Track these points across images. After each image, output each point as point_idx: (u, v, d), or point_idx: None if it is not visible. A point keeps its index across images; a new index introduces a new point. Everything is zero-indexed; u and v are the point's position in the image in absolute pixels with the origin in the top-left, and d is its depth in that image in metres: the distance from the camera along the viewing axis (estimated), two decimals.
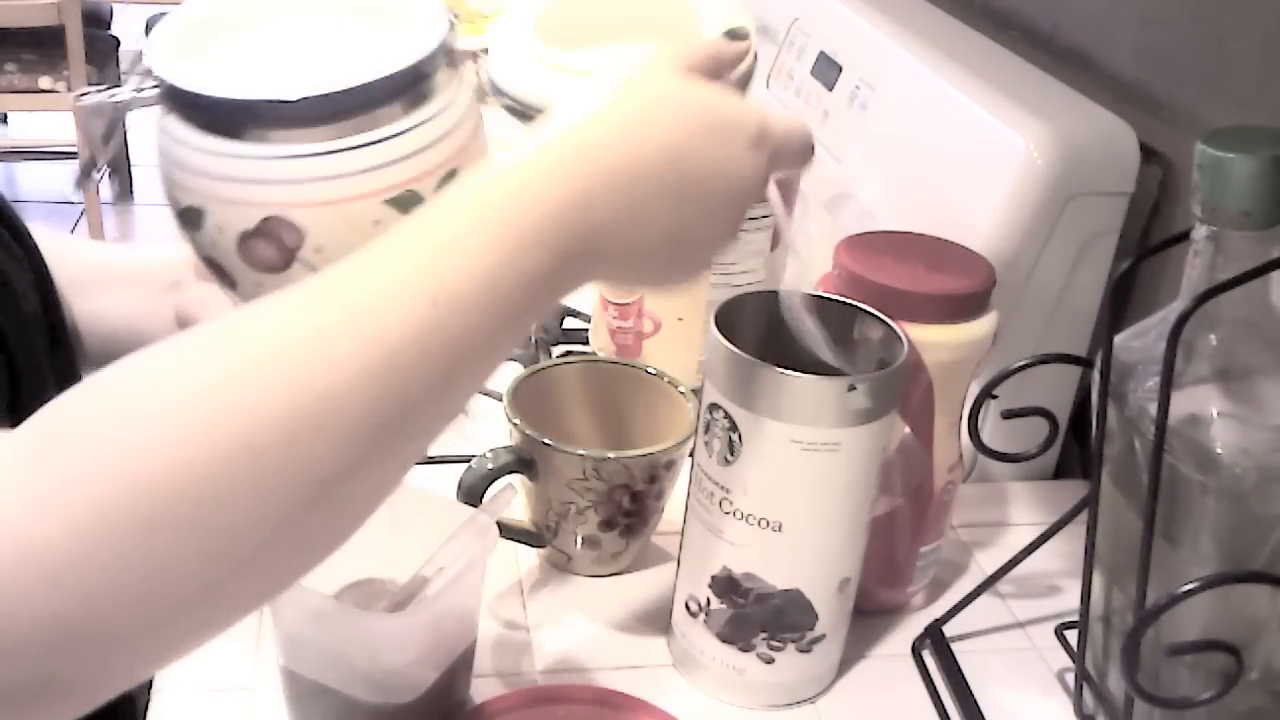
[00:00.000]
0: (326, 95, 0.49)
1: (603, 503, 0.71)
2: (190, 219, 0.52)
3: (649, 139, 0.48)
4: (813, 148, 0.55)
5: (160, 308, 0.68)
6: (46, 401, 0.55)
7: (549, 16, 0.60)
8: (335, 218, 0.51)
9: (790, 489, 0.61)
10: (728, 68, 0.54)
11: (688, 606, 0.67)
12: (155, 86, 0.51)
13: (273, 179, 0.49)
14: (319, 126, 0.49)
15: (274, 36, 0.55)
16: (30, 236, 0.64)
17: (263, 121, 0.49)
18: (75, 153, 3.06)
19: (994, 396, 0.65)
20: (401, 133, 0.51)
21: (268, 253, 0.51)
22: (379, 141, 0.50)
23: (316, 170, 0.49)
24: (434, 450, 0.93)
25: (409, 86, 0.51)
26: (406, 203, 0.51)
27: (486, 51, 0.57)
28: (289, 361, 0.40)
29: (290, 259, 0.51)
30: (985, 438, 0.66)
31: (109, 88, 0.51)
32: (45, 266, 0.64)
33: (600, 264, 0.48)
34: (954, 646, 0.71)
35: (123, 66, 3.49)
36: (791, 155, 0.54)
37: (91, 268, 0.71)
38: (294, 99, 0.48)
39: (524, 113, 0.57)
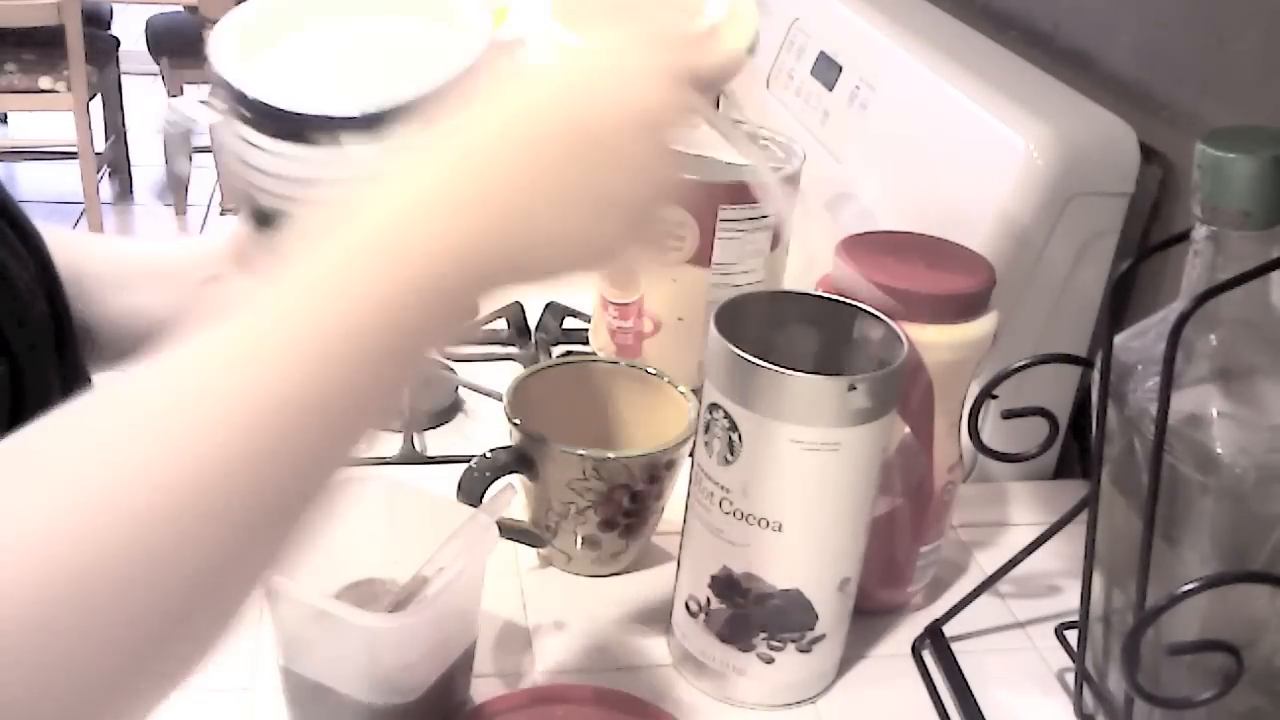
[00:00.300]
0: (396, 107, 0.51)
1: (603, 503, 0.71)
2: (268, 220, 0.54)
3: (528, 110, 0.44)
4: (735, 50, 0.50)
5: (197, 303, 0.67)
6: (51, 405, 0.55)
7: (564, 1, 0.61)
8: None
9: (790, 489, 0.61)
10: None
11: (688, 606, 0.67)
12: (231, 100, 0.52)
13: (347, 180, 0.51)
14: (389, 129, 0.51)
15: (326, 39, 0.57)
16: (37, 235, 0.64)
17: (335, 128, 0.51)
18: (75, 153, 3.08)
19: (994, 396, 0.65)
20: None
21: None
22: None
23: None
24: (434, 450, 0.93)
25: (462, 84, 0.53)
26: None
27: (522, 41, 0.57)
28: (196, 414, 0.37)
29: None
30: (985, 438, 0.66)
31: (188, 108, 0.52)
32: (52, 266, 0.64)
33: (519, 233, 0.43)
34: (954, 646, 0.71)
35: (123, 66, 3.49)
36: (711, 60, 0.49)
37: (123, 264, 0.70)
38: (367, 112, 0.50)
39: None
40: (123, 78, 3.52)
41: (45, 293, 0.62)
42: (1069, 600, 0.73)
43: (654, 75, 0.46)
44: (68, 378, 0.62)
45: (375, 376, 0.41)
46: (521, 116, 0.45)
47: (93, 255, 0.69)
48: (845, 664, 0.69)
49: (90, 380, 0.66)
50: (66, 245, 0.67)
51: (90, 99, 3.13)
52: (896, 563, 0.72)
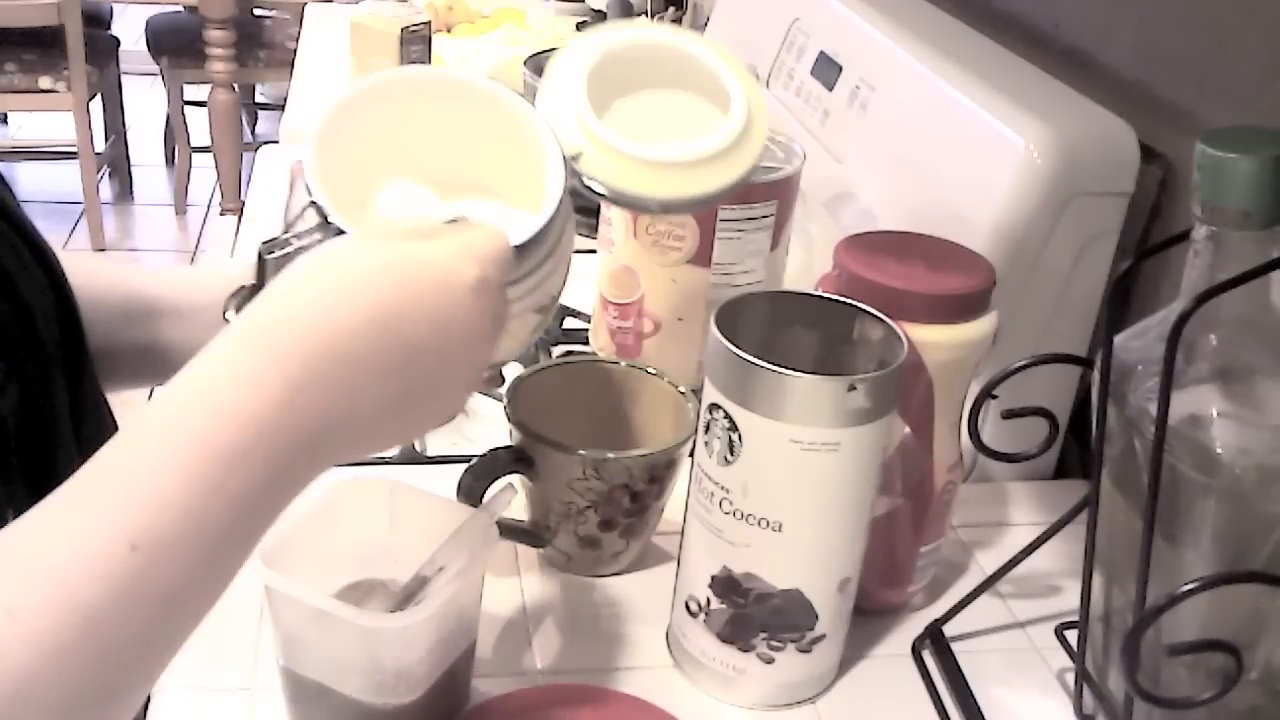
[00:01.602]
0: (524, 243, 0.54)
1: (603, 503, 0.71)
2: None
3: (349, 313, 0.46)
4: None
5: None
6: (59, 433, 0.55)
7: (599, 71, 0.62)
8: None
9: (790, 489, 0.61)
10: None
11: (688, 606, 0.67)
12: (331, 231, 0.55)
13: None
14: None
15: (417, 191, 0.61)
16: (55, 260, 0.63)
17: None
18: (75, 153, 3.08)
19: (994, 396, 0.65)
20: (540, 262, 0.56)
21: None
22: (527, 275, 0.55)
23: None
24: (434, 450, 0.93)
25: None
26: (546, 309, 0.59)
27: (579, 158, 0.60)
28: None
29: None
30: (985, 438, 0.66)
31: (288, 235, 0.56)
32: (68, 289, 0.63)
33: (326, 454, 0.46)
34: (954, 646, 0.71)
35: (123, 66, 3.49)
36: (508, 269, 0.52)
37: (172, 295, 0.71)
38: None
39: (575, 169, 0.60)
40: (123, 78, 3.52)
41: (59, 317, 0.62)
42: (1069, 600, 0.73)
43: (479, 294, 0.49)
44: (78, 403, 0.62)
45: (191, 579, 0.43)
46: (335, 326, 0.46)
47: (143, 281, 0.71)
48: (845, 664, 0.69)
49: (106, 406, 0.66)
50: (85, 274, 0.68)
51: (90, 99, 3.13)
52: (896, 563, 0.72)
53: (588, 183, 0.60)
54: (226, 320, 0.60)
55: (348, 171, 0.57)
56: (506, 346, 0.59)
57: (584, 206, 0.76)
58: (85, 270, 0.69)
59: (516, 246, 0.54)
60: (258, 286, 0.56)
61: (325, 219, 0.55)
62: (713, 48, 0.65)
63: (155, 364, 0.70)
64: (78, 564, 0.40)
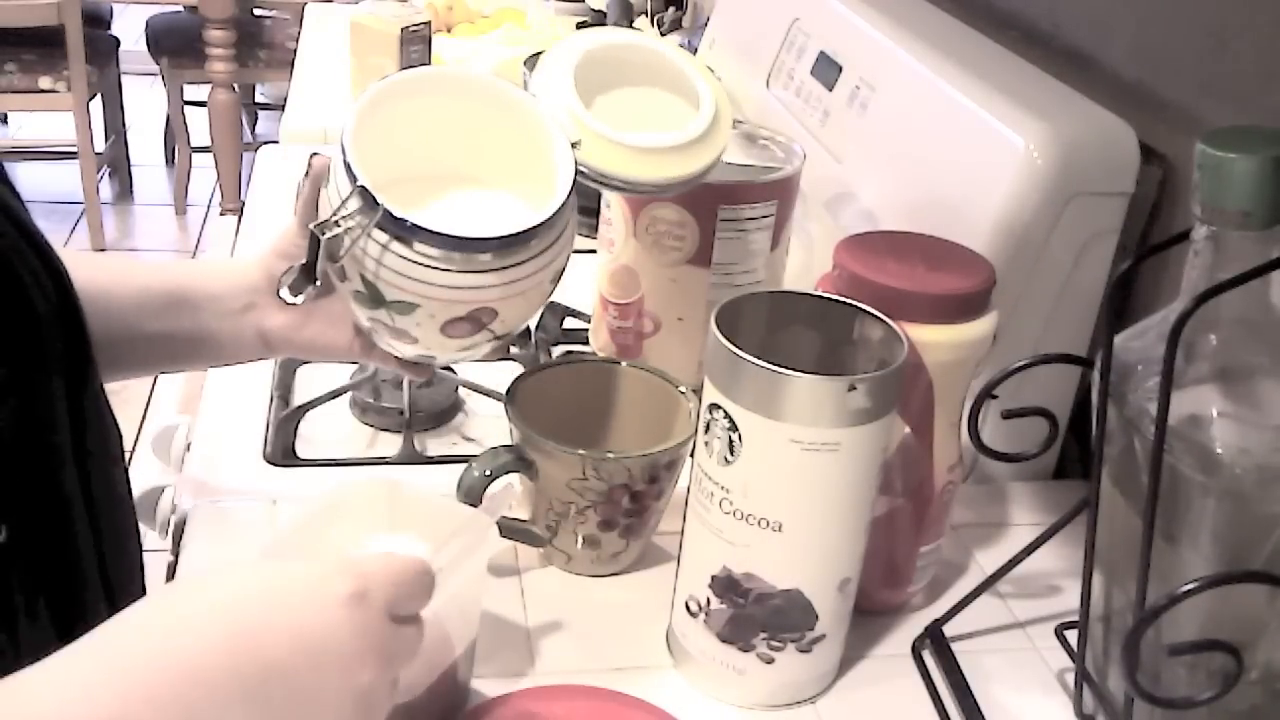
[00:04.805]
0: (525, 230, 0.63)
1: (603, 503, 0.71)
2: (402, 309, 0.64)
3: (202, 637, 0.44)
4: (430, 583, 0.50)
5: (239, 328, 0.72)
6: (58, 444, 0.55)
7: (581, 70, 0.69)
8: (520, 299, 0.65)
9: (790, 489, 0.61)
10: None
11: (688, 606, 0.67)
12: (376, 219, 0.62)
13: (484, 285, 0.63)
14: (515, 249, 0.63)
15: (450, 197, 0.70)
16: (57, 260, 0.63)
17: (476, 248, 0.62)
18: (75, 153, 3.08)
19: (994, 396, 0.65)
20: (559, 235, 0.65)
21: (464, 328, 0.65)
22: (549, 247, 0.65)
23: (516, 275, 0.64)
24: (434, 450, 0.93)
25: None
26: (559, 275, 0.67)
27: (576, 145, 0.67)
28: None
29: (480, 329, 0.66)
30: (985, 438, 0.66)
31: (336, 219, 0.63)
32: (72, 290, 0.64)
33: None
34: (954, 646, 0.71)
35: (123, 66, 3.49)
36: (411, 596, 0.49)
37: (188, 285, 0.72)
38: (506, 234, 0.62)
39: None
40: (123, 78, 3.52)
41: (63, 326, 0.62)
42: (1069, 600, 0.73)
43: (352, 609, 0.46)
44: (79, 414, 0.62)
45: None
46: (206, 650, 0.44)
47: (129, 273, 0.72)
48: (845, 664, 0.69)
49: (111, 416, 0.66)
50: (99, 267, 0.69)
51: (90, 99, 3.13)
52: (896, 563, 0.72)
53: (581, 168, 0.67)
54: (280, 297, 0.70)
55: (376, 160, 0.63)
56: (523, 312, 0.67)
57: (585, 207, 0.78)
58: (99, 263, 0.70)
59: (541, 222, 0.63)
60: (309, 265, 0.65)
61: (370, 200, 0.61)
62: (678, 50, 0.75)
63: (172, 352, 0.73)
64: None
